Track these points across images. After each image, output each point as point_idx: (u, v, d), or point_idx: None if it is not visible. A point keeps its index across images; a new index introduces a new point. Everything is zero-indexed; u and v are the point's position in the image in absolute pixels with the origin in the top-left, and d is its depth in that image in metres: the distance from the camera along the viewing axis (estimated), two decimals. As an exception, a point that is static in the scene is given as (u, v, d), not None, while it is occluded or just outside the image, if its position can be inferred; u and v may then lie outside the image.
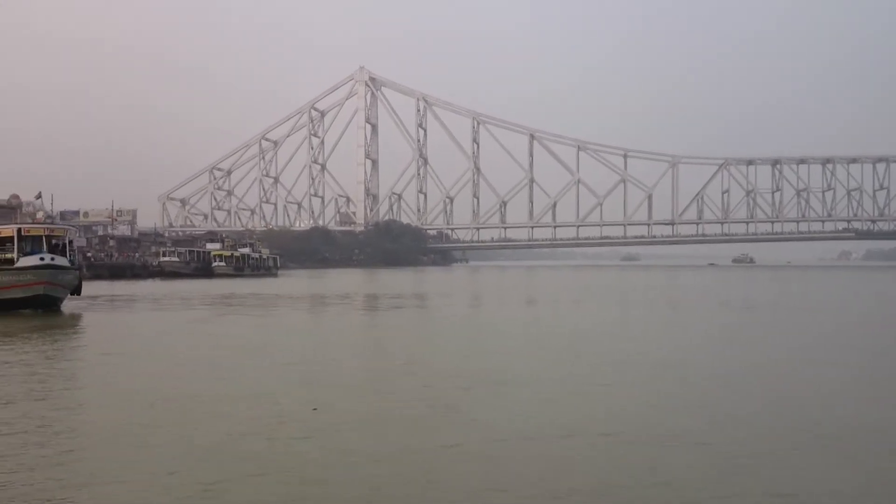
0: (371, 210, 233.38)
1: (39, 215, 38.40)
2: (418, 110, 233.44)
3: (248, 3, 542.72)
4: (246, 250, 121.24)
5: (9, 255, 34.30)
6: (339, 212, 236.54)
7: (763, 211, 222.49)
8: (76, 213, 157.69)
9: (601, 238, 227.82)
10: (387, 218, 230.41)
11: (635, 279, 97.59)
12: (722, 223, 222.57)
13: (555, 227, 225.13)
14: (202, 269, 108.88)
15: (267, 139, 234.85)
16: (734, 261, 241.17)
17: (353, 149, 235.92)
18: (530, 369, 17.92)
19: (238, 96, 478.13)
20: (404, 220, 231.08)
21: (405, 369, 18.26)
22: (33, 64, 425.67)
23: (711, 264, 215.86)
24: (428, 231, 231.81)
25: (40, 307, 33.84)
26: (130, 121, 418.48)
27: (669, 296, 57.78)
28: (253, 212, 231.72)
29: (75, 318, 31.98)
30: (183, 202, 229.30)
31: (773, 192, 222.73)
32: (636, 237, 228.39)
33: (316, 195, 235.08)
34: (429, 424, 12.30)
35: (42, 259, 33.75)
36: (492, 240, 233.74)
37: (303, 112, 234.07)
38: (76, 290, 37.12)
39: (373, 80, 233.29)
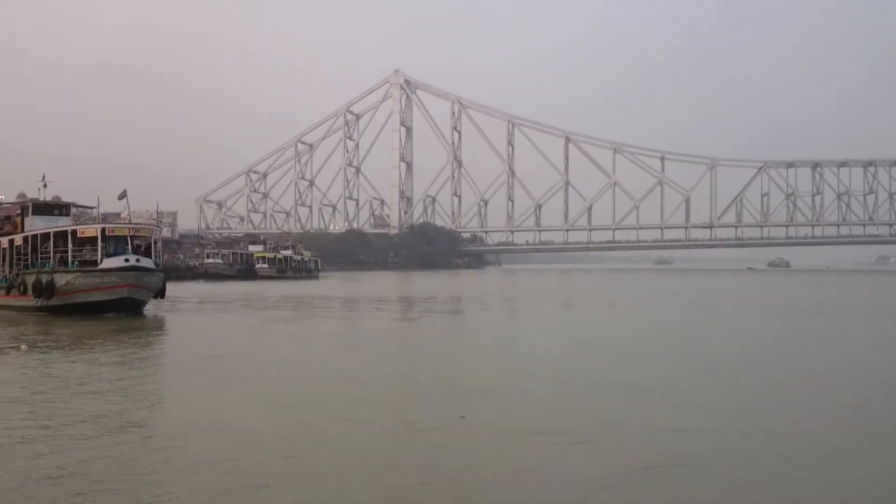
0: (405, 213, 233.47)
1: (123, 214, 36.97)
2: (453, 113, 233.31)
3: (284, 5, 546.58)
4: (288, 252, 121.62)
5: (92, 256, 33.22)
6: (373, 214, 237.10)
7: (803, 214, 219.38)
8: (118, 214, 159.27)
9: (637, 241, 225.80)
10: (421, 221, 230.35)
11: (678, 283, 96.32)
12: (761, 227, 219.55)
13: (590, 230, 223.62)
14: (245, 270, 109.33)
15: (303, 142, 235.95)
16: (769, 265, 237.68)
17: (387, 152, 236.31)
18: (661, 378, 17.34)
19: (273, 99, 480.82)
20: (438, 222, 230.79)
21: (534, 374, 17.83)
22: (76, 69, 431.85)
23: (750, 268, 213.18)
24: (461, 234, 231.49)
25: (124, 310, 32.74)
26: (167, 123, 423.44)
27: (730, 299, 56.79)
28: (288, 214, 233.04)
29: (160, 322, 31.33)
30: (220, 205, 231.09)
31: (813, 196, 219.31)
32: (671, 240, 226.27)
33: (351, 198, 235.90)
34: (583, 436, 11.86)
35: (127, 260, 32.42)
36: (526, 243, 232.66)
37: (338, 115, 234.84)
38: (160, 293, 35.38)
39: (408, 82, 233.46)
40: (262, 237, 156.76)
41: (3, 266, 38.11)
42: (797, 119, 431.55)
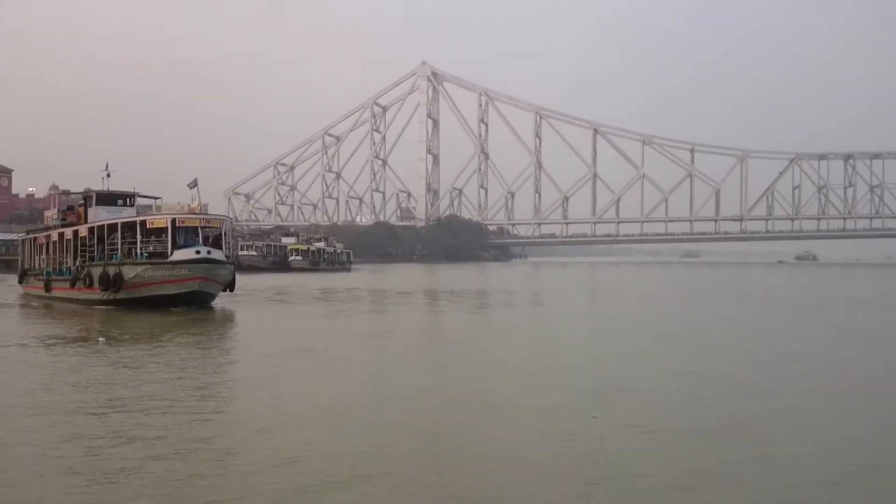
0: (431, 205, 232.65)
1: (194, 203, 35.78)
2: (480, 105, 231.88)
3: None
4: (321, 244, 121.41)
5: (161, 248, 32.25)
6: (399, 207, 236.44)
7: (835, 207, 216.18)
8: (149, 207, 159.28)
9: (666, 234, 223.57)
10: (447, 213, 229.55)
11: (715, 276, 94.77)
12: (792, 219, 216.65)
13: (618, 222, 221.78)
14: (279, 263, 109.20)
15: (330, 134, 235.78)
16: (797, 258, 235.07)
17: (414, 144, 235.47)
18: (779, 376, 16.66)
19: (301, 92, 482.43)
20: (465, 215, 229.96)
21: (640, 371, 17.13)
22: (109, 66, 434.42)
23: (780, 261, 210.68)
24: (487, 226, 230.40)
25: (194, 304, 31.77)
26: (197, 116, 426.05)
27: (779, 293, 55.64)
28: (315, 206, 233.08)
29: (230, 315, 30.49)
30: (247, 197, 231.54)
31: (845, 188, 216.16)
32: (700, 233, 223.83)
33: (377, 190, 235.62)
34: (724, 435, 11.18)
35: (198, 252, 31.16)
36: (553, 235, 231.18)
37: (365, 107, 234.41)
38: (230, 286, 34.05)
39: (435, 74, 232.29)
40: (291, 229, 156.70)
41: (65, 257, 37.36)
42: (828, 110, 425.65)
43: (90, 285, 33.24)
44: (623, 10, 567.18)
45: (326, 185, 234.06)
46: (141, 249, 32.23)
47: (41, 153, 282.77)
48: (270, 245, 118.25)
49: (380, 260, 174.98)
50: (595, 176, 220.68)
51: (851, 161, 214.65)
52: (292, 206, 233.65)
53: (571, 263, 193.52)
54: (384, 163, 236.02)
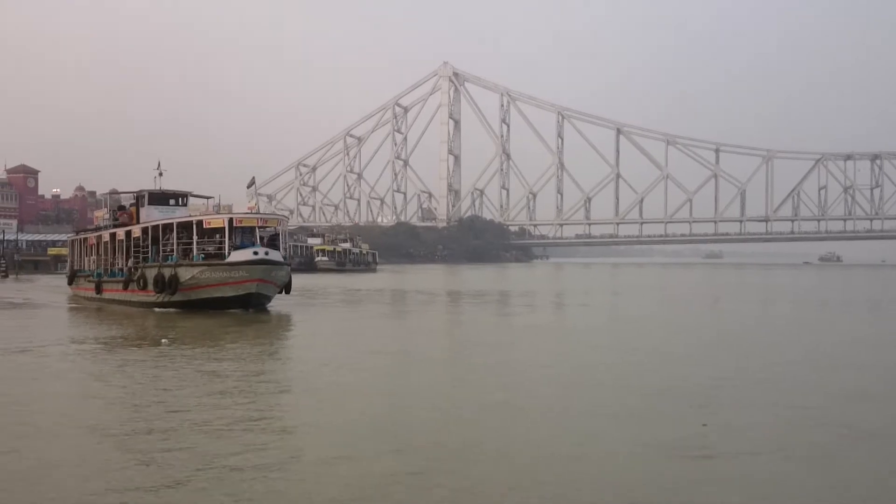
0: (453, 206, 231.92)
1: (251, 203, 34.85)
2: (502, 105, 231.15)
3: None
4: (347, 245, 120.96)
5: (217, 249, 30.96)
6: (421, 207, 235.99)
7: (861, 208, 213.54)
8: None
9: (690, 235, 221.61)
10: (469, 214, 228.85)
11: (743, 277, 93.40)
12: (818, 220, 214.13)
13: (641, 223, 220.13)
14: (305, 263, 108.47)
15: (351, 135, 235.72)
16: (820, 259, 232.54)
17: (435, 145, 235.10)
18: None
19: (324, 92, 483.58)
20: (486, 215, 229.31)
21: (726, 375, 16.09)
22: (131, 66, 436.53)
23: (806, 262, 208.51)
24: (509, 227, 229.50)
25: (251, 307, 30.42)
26: (220, 116, 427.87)
27: (819, 294, 54.31)
28: (337, 207, 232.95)
29: (287, 317, 29.66)
30: (269, 197, 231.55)
31: (871, 189, 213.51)
32: (724, 234, 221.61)
33: (398, 191, 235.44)
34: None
35: (255, 253, 29.84)
36: (575, 236, 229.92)
37: (387, 108, 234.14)
38: (286, 288, 32.66)
39: (456, 75, 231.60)
40: (314, 230, 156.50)
41: (117, 258, 36.47)
42: (855, 110, 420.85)
43: (144, 287, 32.27)
44: (647, 12, 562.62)
45: (348, 185, 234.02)
46: (197, 250, 31.23)
47: (65, 154, 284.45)
48: (296, 245, 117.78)
49: (402, 260, 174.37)
50: (618, 176, 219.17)
51: (878, 161, 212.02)
52: (314, 207, 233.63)
53: (594, 264, 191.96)
54: (405, 163, 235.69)
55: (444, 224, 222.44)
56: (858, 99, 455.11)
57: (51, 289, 52.32)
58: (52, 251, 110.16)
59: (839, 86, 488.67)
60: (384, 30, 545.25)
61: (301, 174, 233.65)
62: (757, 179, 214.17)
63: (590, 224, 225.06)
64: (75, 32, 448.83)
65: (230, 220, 31.13)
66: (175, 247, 31.73)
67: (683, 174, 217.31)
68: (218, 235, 31.29)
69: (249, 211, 34.00)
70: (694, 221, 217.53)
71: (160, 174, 36.47)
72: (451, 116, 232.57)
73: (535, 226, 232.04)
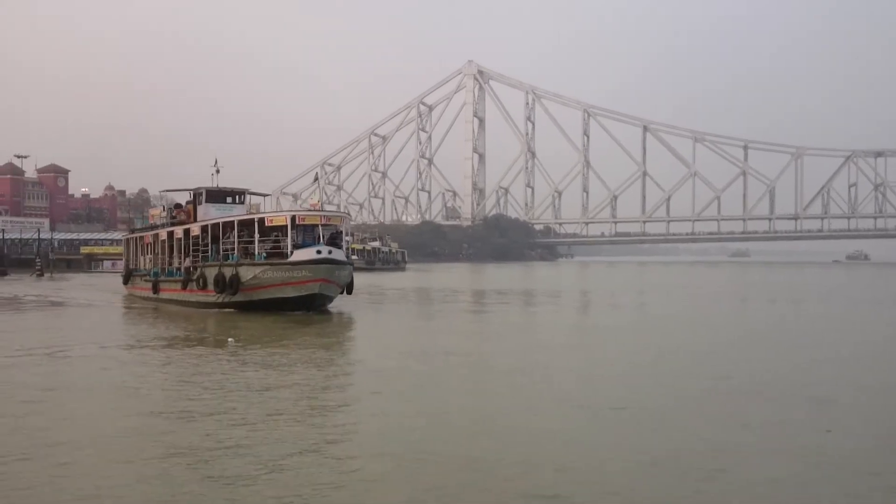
0: (477, 204, 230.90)
1: (314, 200, 33.54)
2: (527, 103, 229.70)
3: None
4: (376, 244, 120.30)
5: (281, 248, 29.90)
6: (445, 206, 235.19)
7: (892, 205, 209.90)
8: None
9: (718, 233, 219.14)
10: (494, 212, 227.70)
11: (776, 276, 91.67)
12: (848, 218, 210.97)
13: (668, 221, 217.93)
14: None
15: (376, 134, 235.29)
16: (848, 257, 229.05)
17: (460, 143, 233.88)
18: None
19: (349, 92, 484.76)
20: (511, 214, 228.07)
21: (832, 378, 15.14)
22: (160, 65, 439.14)
23: (835, 261, 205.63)
24: (534, 225, 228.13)
25: (313, 308, 29.56)
26: (245, 116, 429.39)
27: (868, 294, 52.89)
28: (361, 206, 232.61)
29: (350, 318, 28.80)
30: (295, 197, 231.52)
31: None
32: (753, 232, 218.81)
33: (423, 189, 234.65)
34: None
35: (319, 252, 28.67)
36: (601, 234, 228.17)
37: (411, 107, 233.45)
38: (348, 288, 31.72)
39: (481, 73, 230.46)
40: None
41: (175, 257, 35.72)
42: (888, 106, 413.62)
43: (204, 287, 31.50)
44: (675, 8, 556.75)
45: (372, 184, 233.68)
46: (259, 249, 30.29)
47: (94, 153, 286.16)
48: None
49: (427, 259, 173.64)
50: (644, 174, 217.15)
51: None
52: (339, 206, 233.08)
53: (620, 263, 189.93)
54: (430, 162, 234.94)
55: (469, 223, 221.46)
56: (890, 95, 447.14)
57: (100, 289, 51.91)
58: (84, 250, 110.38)
59: (870, 82, 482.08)
60: (407, 28, 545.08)
61: (326, 173, 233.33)
62: (786, 177, 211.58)
63: (616, 222, 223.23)
64: (104, 34, 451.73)
65: (293, 218, 30.05)
66: (236, 245, 30.90)
67: (711, 172, 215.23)
68: (280, 234, 30.33)
69: (312, 208, 32.27)
70: (722, 219, 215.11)
71: (217, 171, 35.56)
72: (475, 115, 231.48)
73: (560, 224, 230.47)
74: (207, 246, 32.57)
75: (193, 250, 33.24)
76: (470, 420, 11.57)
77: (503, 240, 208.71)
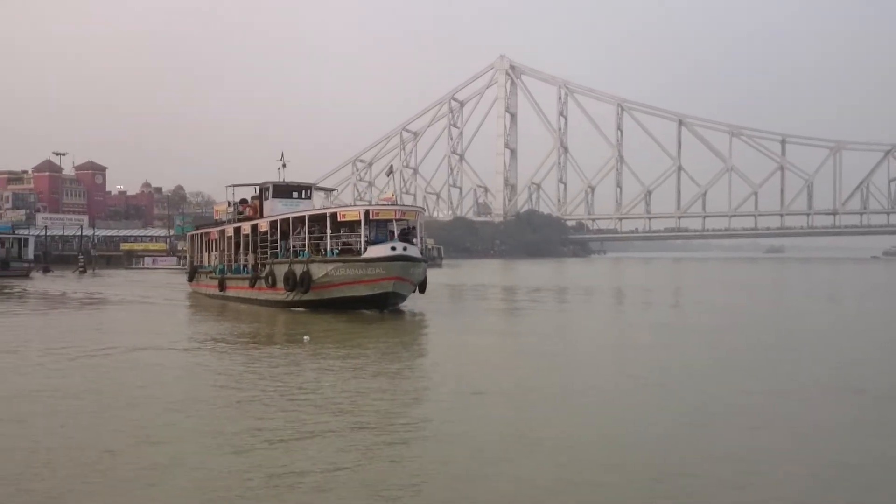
0: (509, 200, 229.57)
1: (388, 192, 31.99)
2: (559, 98, 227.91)
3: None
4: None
5: (354, 244, 28.27)
6: (476, 202, 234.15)
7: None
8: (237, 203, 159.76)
9: (756, 229, 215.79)
10: (525, 208, 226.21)
11: (820, 273, 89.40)
12: (888, 213, 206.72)
13: (704, 216, 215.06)
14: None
15: (407, 130, 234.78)
16: (885, 253, 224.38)
17: (492, 139, 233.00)
18: None
19: (381, 88, 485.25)
20: (543, 209, 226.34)
21: None
22: (188, 64, 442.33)
23: (874, 257, 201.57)
24: (566, 221, 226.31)
25: (386, 307, 28.00)
26: (277, 112, 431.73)
27: None
28: (393, 203, 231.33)
29: (422, 317, 27.60)
30: (327, 193, 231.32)
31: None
32: (789, 228, 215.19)
33: (454, 185, 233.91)
34: None
35: (393, 249, 27.04)
36: (636, 230, 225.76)
37: (443, 102, 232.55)
38: (422, 287, 29.96)
39: (513, 68, 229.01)
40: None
41: (241, 254, 34.69)
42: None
43: (273, 285, 30.40)
44: (708, 5, 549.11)
45: (404, 180, 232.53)
46: (331, 245, 28.84)
47: (129, 151, 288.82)
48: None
49: (460, 255, 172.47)
50: (680, 169, 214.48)
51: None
52: (370, 202, 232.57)
53: (655, 259, 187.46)
54: (461, 158, 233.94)
55: (501, 218, 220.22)
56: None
57: (158, 286, 51.54)
58: (124, 246, 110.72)
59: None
60: (440, 24, 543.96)
61: (357, 170, 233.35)
62: (825, 172, 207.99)
63: (650, 218, 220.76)
64: (139, 31, 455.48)
65: (366, 213, 28.59)
66: (307, 242, 29.79)
67: (748, 166, 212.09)
68: (352, 229, 29.03)
69: (387, 202, 30.52)
70: (760, 215, 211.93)
71: (283, 165, 34.48)
72: (507, 110, 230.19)
73: (593, 220, 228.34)
74: (276, 242, 31.43)
75: (261, 247, 32.23)
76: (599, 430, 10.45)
77: (535, 236, 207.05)
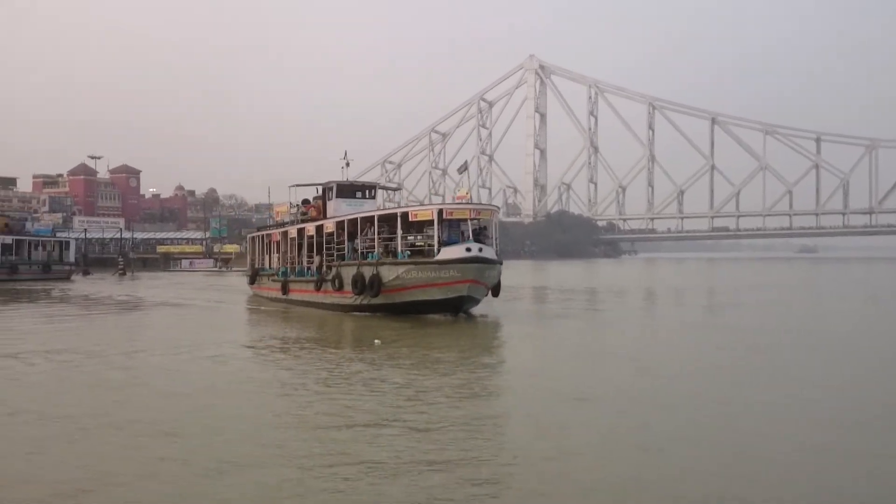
0: (539, 201, 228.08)
1: (462, 191, 29.72)
2: (590, 97, 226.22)
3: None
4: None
5: (426, 245, 26.86)
6: (506, 202, 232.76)
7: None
8: (269, 206, 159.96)
9: (790, 228, 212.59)
10: (556, 209, 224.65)
11: (861, 272, 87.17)
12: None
13: (738, 216, 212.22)
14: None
15: (436, 131, 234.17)
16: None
17: (521, 139, 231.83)
18: None
19: (411, 89, 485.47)
20: (573, 210, 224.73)
21: None
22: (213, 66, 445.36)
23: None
24: (597, 221, 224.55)
25: (459, 311, 26.58)
26: (306, 116, 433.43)
27: None
28: (422, 204, 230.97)
29: (496, 321, 26.07)
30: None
31: None
32: (821, 227, 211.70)
33: (483, 186, 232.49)
34: None
35: (468, 250, 25.45)
36: (668, 230, 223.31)
37: (471, 103, 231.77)
38: (495, 290, 28.21)
39: (542, 68, 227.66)
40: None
41: (304, 256, 33.60)
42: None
43: (340, 288, 29.06)
44: (737, 4, 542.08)
45: (433, 182, 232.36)
46: (402, 247, 27.49)
47: (163, 154, 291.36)
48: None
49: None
50: (713, 168, 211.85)
51: None
52: (399, 204, 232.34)
53: (687, 260, 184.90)
54: (490, 158, 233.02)
55: (530, 219, 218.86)
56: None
57: (221, 288, 51.08)
58: (161, 249, 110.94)
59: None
60: (467, 25, 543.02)
61: (386, 171, 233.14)
62: (861, 170, 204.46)
63: (682, 218, 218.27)
64: (173, 38, 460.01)
65: (439, 212, 26.93)
66: (375, 242, 28.50)
67: (782, 165, 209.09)
68: (416, 230, 27.95)
69: (461, 200, 28.52)
70: (794, 214, 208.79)
71: (347, 164, 33.46)
72: (537, 110, 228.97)
73: (624, 220, 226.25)
74: (342, 243, 30.19)
75: (328, 248, 31.08)
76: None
77: (565, 236, 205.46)
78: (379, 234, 28.50)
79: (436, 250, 26.46)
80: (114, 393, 12.94)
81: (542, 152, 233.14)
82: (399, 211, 28.61)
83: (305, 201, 35.72)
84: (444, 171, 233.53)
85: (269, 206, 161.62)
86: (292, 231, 34.68)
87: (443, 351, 18.34)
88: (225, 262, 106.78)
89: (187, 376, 14.83)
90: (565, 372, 15.55)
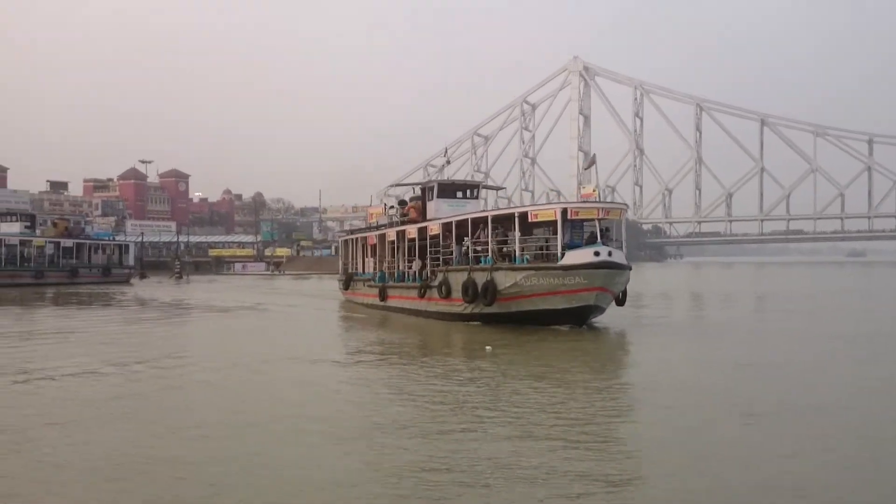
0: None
1: (589, 189, 26.38)
2: (635, 99, 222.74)
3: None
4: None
5: (548, 248, 24.49)
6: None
7: None
8: (315, 209, 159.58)
9: (843, 232, 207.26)
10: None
11: None
12: None
13: (788, 219, 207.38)
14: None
15: (479, 134, 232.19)
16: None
17: (564, 142, 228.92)
18: None
19: (450, 92, 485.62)
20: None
21: None
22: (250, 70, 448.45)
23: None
24: (642, 225, 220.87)
25: (583, 322, 24.17)
26: (348, 119, 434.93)
27: None
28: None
29: (622, 334, 23.44)
30: (397, 198, 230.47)
31: None
32: (876, 231, 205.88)
33: (526, 189, 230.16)
34: None
35: (597, 254, 22.88)
36: (718, 233, 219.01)
37: (514, 106, 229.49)
38: (621, 299, 25.57)
39: (586, 69, 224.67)
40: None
41: (405, 260, 31.68)
42: None
43: (447, 295, 26.81)
44: (786, 4, 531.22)
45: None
46: (521, 250, 25.08)
47: (209, 158, 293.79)
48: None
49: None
50: (762, 170, 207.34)
51: None
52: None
53: (735, 264, 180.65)
54: (533, 161, 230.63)
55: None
56: None
57: (309, 294, 50.17)
58: (213, 252, 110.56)
59: None
60: (512, 26, 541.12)
61: (429, 174, 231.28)
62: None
63: (731, 221, 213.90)
64: (213, 44, 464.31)
65: (563, 212, 24.16)
66: (489, 246, 26.05)
67: (834, 168, 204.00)
68: (544, 231, 25.61)
69: (587, 198, 25.49)
70: (846, 217, 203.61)
71: (448, 162, 31.98)
72: (580, 112, 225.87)
73: (670, 223, 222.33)
74: (449, 247, 28.13)
75: (433, 252, 28.93)
76: None
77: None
78: (494, 236, 26.47)
79: (559, 254, 24.04)
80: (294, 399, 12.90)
81: (586, 155, 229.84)
82: (517, 211, 25.97)
83: (402, 202, 33.95)
84: (487, 174, 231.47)
85: (322, 210, 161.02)
86: (391, 233, 32.67)
87: (557, 359, 17.62)
88: (276, 265, 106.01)
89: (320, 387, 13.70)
90: (725, 385, 14.39)
